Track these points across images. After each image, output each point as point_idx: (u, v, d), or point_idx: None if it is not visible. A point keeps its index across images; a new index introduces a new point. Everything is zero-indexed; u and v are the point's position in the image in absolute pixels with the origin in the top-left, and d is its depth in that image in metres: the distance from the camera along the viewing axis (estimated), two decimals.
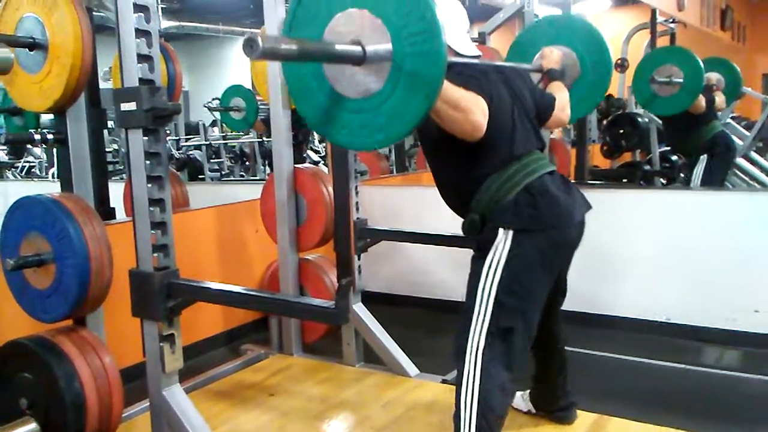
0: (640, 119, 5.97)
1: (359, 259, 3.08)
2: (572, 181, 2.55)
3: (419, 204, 4.12)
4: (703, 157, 4.81)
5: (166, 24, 10.16)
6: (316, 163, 7.48)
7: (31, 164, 8.98)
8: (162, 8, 7.80)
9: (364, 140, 1.55)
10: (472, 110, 1.66)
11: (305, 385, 2.92)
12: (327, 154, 5.60)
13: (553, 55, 2.41)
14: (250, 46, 1.25)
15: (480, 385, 1.84)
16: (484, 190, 1.89)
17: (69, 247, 2.11)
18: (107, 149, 6.68)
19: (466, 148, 1.78)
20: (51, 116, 2.37)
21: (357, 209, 3.06)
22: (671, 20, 6.15)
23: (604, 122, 6.46)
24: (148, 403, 2.28)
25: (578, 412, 2.40)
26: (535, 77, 2.41)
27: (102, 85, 3.57)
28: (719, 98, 5.00)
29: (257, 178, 7.46)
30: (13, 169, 8.88)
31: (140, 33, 2.04)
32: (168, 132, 7.69)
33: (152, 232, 2.10)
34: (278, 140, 3.17)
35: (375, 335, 3.01)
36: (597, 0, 8.45)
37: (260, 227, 3.45)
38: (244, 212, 3.86)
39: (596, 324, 3.63)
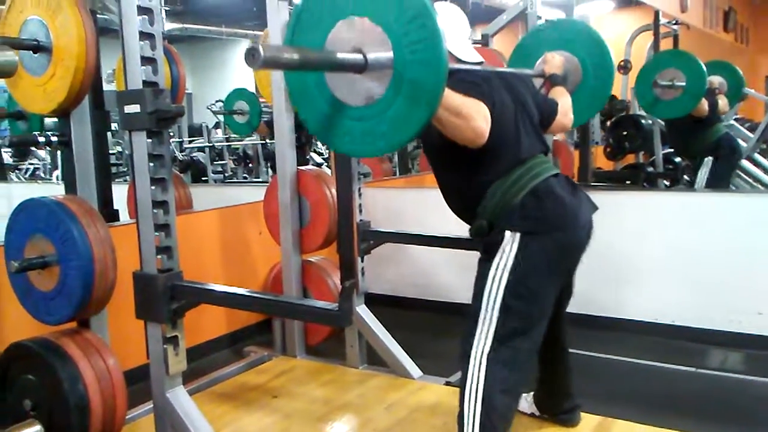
0: (643, 121, 5.97)
1: (362, 261, 3.08)
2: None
3: (422, 206, 4.12)
4: (708, 160, 4.80)
5: (169, 26, 10.20)
6: (319, 165, 7.47)
7: (36, 166, 9.01)
8: (165, 11, 7.82)
9: (365, 147, 1.56)
10: (473, 117, 1.66)
11: (308, 387, 2.92)
12: (330, 156, 5.61)
13: (555, 60, 2.42)
14: (252, 55, 1.25)
15: (484, 387, 1.83)
16: (490, 196, 1.89)
17: (73, 249, 2.11)
18: (111, 151, 6.70)
19: (469, 154, 1.78)
20: (55, 119, 2.38)
21: (360, 211, 3.06)
22: (674, 22, 6.15)
23: (608, 124, 6.46)
24: (152, 405, 2.28)
25: (582, 414, 2.39)
26: (538, 82, 2.41)
27: (106, 87, 3.58)
28: (722, 101, 5.00)
29: (260, 180, 7.48)
30: (17, 171, 8.91)
31: (144, 35, 2.04)
32: (171, 134, 7.71)
33: (156, 234, 2.11)
34: (281, 142, 3.18)
35: (378, 337, 3.01)
36: (600, 2, 8.44)
37: (263, 229, 3.45)
38: (247, 214, 3.86)
39: (600, 326, 3.62)
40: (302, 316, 2.50)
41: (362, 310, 3.08)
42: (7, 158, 8.56)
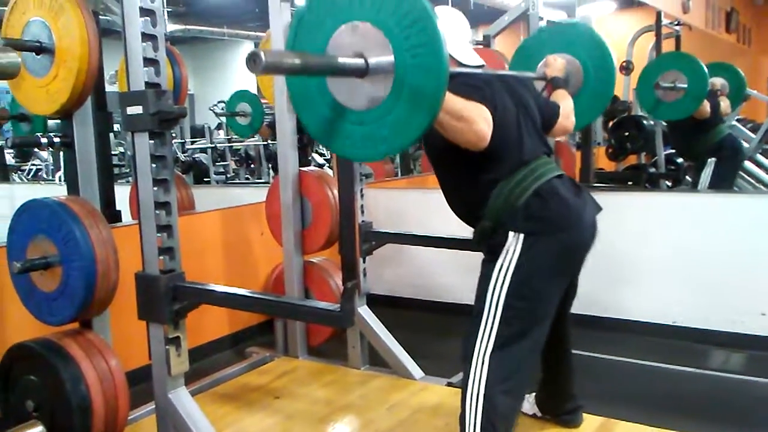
0: (645, 122, 5.96)
1: (364, 262, 3.08)
2: None
3: (424, 207, 4.12)
4: (711, 161, 4.80)
5: (171, 27, 10.20)
6: (321, 166, 7.48)
7: (38, 167, 9.02)
8: (168, 12, 7.83)
9: (366, 152, 1.57)
10: (475, 120, 1.66)
11: (310, 387, 2.92)
12: (332, 157, 5.61)
13: (556, 63, 2.42)
14: (253, 60, 1.26)
15: (486, 388, 1.83)
16: (494, 198, 1.88)
17: (75, 250, 2.12)
18: (113, 152, 6.71)
19: (472, 157, 1.78)
20: (58, 121, 2.38)
21: (362, 212, 3.06)
22: (676, 23, 6.14)
23: (609, 125, 6.45)
24: (154, 406, 2.29)
25: (584, 415, 2.39)
26: (539, 85, 2.41)
27: (108, 88, 3.58)
28: (724, 103, 5.00)
29: (262, 181, 7.48)
30: (19, 172, 8.93)
31: (146, 37, 2.05)
32: (173, 135, 7.71)
33: (158, 235, 2.11)
34: (283, 143, 3.18)
35: (380, 338, 3.01)
36: (602, 2, 8.44)
37: (265, 230, 3.45)
38: (249, 215, 3.86)
39: (602, 327, 3.62)
40: (304, 316, 2.51)
41: (364, 311, 3.08)
42: (10, 159, 8.58)
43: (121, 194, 3.59)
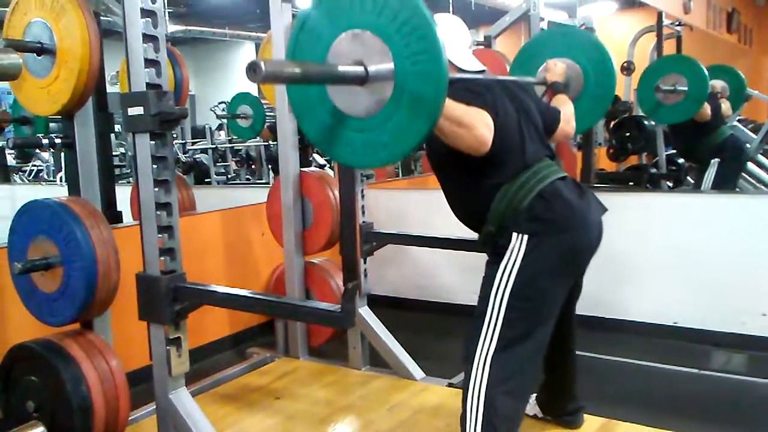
0: (646, 122, 5.95)
1: (365, 262, 3.08)
2: None
3: (425, 207, 4.12)
4: (714, 161, 4.79)
5: (172, 28, 10.21)
6: (322, 166, 7.47)
7: (39, 168, 9.03)
8: (169, 13, 7.83)
9: (367, 159, 1.57)
10: (476, 126, 1.66)
11: (311, 388, 2.92)
12: None
13: (557, 68, 2.43)
14: (253, 70, 1.26)
15: (487, 389, 1.83)
16: (497, 202, 1.88)
17: (76, 251, 2.12)
18: (114, 153, 6.71)
19: (474, 162, 1.78)
20: (60, 123, 2.38)
21: (363, 213, 3.06)
22: (677, 23, 6.14)
23: (611, 125, 6.44)
24: (155, 406, 2.29)
25: (586, 416, 2.39)
26: (539, 90, 2.42)
27: (109, 89, 3.59)
28: (725, 105, 5.00)
29: (263, 181, 7.48)
30: (21, 173, 8.93)
31: (147, 38, 2.05)
32: (174, 136, 7.71)
33: (159, 235, 2.11)
34: (284, 144, 3.18)
35: (381, 339, 3.01)
36: (603, 3, 8.43)
37: (266, 231, 3.46)
38: (250, 216, 3.87)
39: (604, 328, 3.62)
40: (305, 317, 2.51)
41: (365, 312, 3.08)
42: (11, 160, 8.59)
43: (122, 195, 3.60)
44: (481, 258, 1.98)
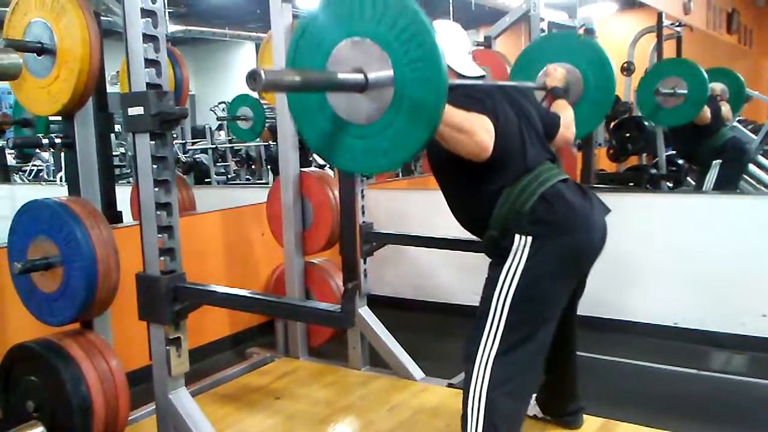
0: (646, 123, 5.95)
1: (365, 262, 3.08)
2: None
3: (425, 207, 4.12)
4: (716, 163, 4.79)
5: (173, 28, 10.21)
6: (322, 167, 7.47)
7: (39, 168, 9.02)
8: (169, 13, 7.83)
9: (367, 165, 1.59)
10: (476, 131, 1.66)
11: (311, 388, 2.92)
12: None
13: (556, 73, 2.43)
14: (253, 78, 1.27)
15: (488, 390, 1.83)
16: (500, 205, 1.89)
17: (76, 251, 2.12)
18: (114, 153, 6.70)
19: (475, 168, 1.78)
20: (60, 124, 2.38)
21: (363, 213, 3.06)
22: (677, 24, 6.14)
23: (611, 126, 6.44)
24: (155, 407, 2.29)
25: (586, 416, 2.39)
26: (539, 95, 2.42)
27: (109, 89, 3.59)
28: (725, 108, 5.00)
29: (263, 181, 7.48)
30: (21, 173, 8.93)
31: (147, 38, 2.05)
32: (174, 136, 7.71)
33: (159, 235, 2.11)
34: (285, 144, 3.18)
35: (381, 339, 3.01)
36: (603, 3, 8.42)
37: (266, 231, 3.46)
38: (250, 216, 3.87)
39: (604, 328, 3.62)
40: (305, 317, 2.51)
41: (364, 312, 3.08)
42: (11, 160, 8.59)
43: (122, 195, 3.60)
44: (482, 258, 1.98)
